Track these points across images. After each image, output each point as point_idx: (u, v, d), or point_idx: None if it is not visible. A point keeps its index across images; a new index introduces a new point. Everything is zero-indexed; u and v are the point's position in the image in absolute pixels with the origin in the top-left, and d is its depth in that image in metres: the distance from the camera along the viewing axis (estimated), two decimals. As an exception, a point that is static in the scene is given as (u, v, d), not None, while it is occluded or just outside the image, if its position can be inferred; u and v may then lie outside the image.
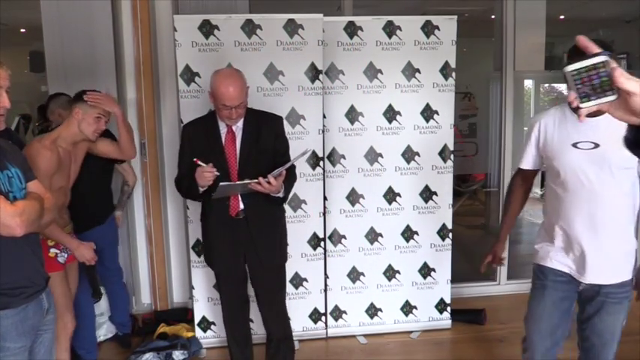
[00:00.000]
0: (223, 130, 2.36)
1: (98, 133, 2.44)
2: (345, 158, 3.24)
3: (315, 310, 3.31)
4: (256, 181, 2.17)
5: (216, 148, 2.34)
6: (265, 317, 2.59)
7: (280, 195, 2.34)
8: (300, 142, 3.00)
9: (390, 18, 3.14)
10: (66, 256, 2.46)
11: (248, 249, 2.41)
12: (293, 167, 2.46)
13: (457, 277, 3.60)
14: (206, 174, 2.19)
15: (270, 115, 2.48)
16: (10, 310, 1.57)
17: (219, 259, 2.47)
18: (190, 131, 2.45)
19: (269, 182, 2.17)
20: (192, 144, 2.39)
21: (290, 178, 2.38)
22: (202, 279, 3.20)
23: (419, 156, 3.28)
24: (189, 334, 3.23)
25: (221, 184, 2.15)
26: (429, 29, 3.17)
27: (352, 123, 3.21)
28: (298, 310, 3.20)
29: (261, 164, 2.26)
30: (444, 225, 3.36)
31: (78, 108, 2.37)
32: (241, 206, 2.38)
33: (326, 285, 3.30)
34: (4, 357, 1.57)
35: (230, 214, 2.38)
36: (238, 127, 2.36)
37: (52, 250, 2.38)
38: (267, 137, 2.37)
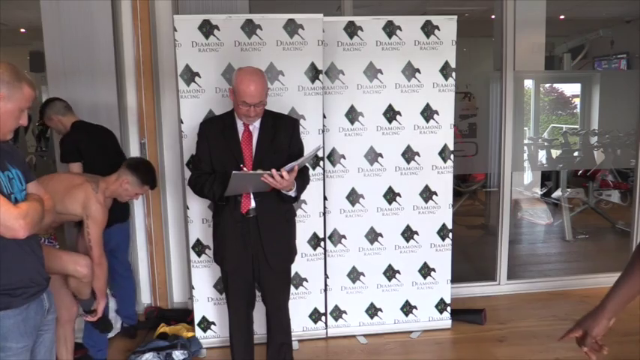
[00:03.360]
0: (241, 128, 2.40)
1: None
2: (345, 158, 3.24)
3: (315, 310, 3.31)
4: (269, 172, 2.18)
5: (233, 145, 2.38)
6: (269, 318, 2.60)
7: (292, 194, 2.35)
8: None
9: (390, 18, 3.14)
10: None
11: (257, 249, 2.42)
12: (306, 169, 2.50)
13: (457, 277, 3.60)
14: None
15: (286, 117, 2.57)
16: (11, 310, 1.57)
17: (228, 258, 2.48)
18: (207, 128, 2.46)
19: (281, 176, 2.18)
20: (209, 141, 2.42)
21: (303, 178, 2.41)
22: (202, 279, 3.19)
23: (419, 156, 3.28)
24: (189, 334, 3.23)
25: (234, 172, 2.16)
26: (429, 29, 3.17)
27: (352, 123, 3.21)
28: (298, 310, 3.19)
29: (276, 164, 2.25)
30: (444, 225, 3.37)
31: (128, 179, 2.56)
32: (252, 204, 2.38)
33: (326, 285, 3.30)
34: (6, 357, 1.58)
35: (241, 211, 2.39)
36: (255, 126, 2.40)
37: None
38: (282, 138, 2.41)
